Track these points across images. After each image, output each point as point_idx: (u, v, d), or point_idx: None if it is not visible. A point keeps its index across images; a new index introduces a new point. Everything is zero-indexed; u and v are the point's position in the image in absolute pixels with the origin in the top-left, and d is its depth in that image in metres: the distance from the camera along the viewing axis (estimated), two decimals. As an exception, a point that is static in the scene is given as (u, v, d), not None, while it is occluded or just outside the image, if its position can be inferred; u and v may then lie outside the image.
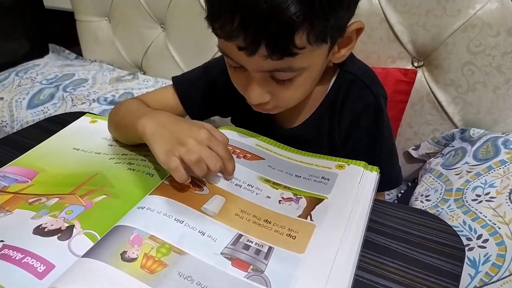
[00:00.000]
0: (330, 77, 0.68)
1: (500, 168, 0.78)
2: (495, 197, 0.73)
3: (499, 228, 0.67)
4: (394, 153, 0.73)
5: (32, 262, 0.42)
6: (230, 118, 0.85)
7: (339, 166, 0.59)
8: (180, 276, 0.41)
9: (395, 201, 1.06)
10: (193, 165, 0.50)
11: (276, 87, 0.57)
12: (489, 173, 0.79)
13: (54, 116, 0.83)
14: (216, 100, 0.76)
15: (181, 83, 0.76)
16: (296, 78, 0.56)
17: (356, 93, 0.66)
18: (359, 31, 0.59)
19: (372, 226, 0.52)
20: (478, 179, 0.79)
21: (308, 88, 0.61)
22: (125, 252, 0.42)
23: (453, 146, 0.98)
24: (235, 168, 0.55)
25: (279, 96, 0.58)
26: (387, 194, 1.09)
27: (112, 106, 0.82)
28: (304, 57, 0.52)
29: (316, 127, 0.70)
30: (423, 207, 0.82)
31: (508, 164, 0.78)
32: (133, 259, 0.41)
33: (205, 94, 0.75)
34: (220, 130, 0.65)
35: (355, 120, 0.67)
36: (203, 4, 1.29)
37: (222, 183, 0.54)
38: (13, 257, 0.43)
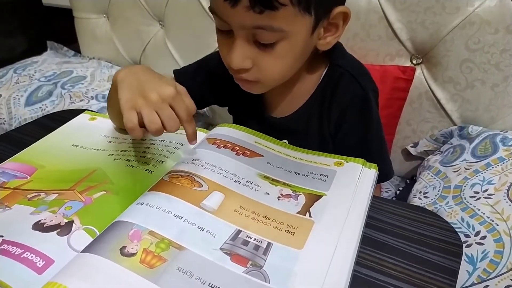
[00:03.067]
0: (321, 71, 0.69)
1: (498, 165, 0.78)
2: (493, 194, 0.73)
3: (497, 225, 0.67)
4: (384, 146, 0.73)
5: (32, 257, 0.42)
6: (227, 108, 0.86)
7: (337, 163, 0.59)
8: (179, 271, 0.41)
9: (394, 198, 1.06)
10: (148, 123, 0.49)
11: (258, 53, 0.58)
12: (487, 170, 0.79)
13: (53, 113, 0.83)
14: (214, 89, 0.77)
15: (181, 74, 0.80)
16: (278, 45, 0.57)
17: (344, 86, 0.67)
18: (345, 17, 0.60)
19: (371, 222, 0.52)
20: (477, 176, 0.79)
21: (290, 62, 0.61)
22: (124, 247, 0.42)
23: (452, 144, 0.98)
24: (195, 132, 0.54)
25: (260, 64, 0.59)
26: (385, 192, 1.09)
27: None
28: (286, 19, 0.53)
29: (306, 119, 0.71)
30: (421, 204, 0.83)
31: (506, 161, 0.78)
32: (133, 254, 0.41)
33: (204, 84, 0.77)
34: (220, 128, 0.66)
35: (343, 112, 0.68)
36: (202, 1, 1.29)
37: (221, 180, 0.54)
38: (12, 252, 0.43)
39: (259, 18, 0.52)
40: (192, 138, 0.54)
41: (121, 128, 0.69)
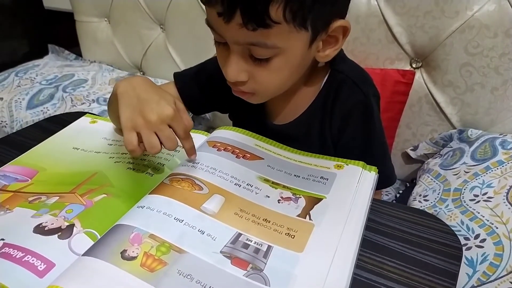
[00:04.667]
0: (322, 77, 0.69)
1: (497, 169, 0.79)
2: (492, 197, 0.73)
3: (497, 228, 0.68)
4: (386, 152, 0.73)
5: (33, 260, 0.43)
6: (228, 114, 0.86)
7: (338, 166, 0.59)
8: (180, 274, 0.41)
9: (394, 201, 1.06)
10: (148, 147, 0.51)
11: (253, 66, 0.58)
12: (486, 173, 0.79)
13: (54, 116, 0.83)
14: (214, 94, 0.77)
15: (181, 78, 0.79)
16: (273, 60, 0.56)
17: (346, 92, 0.67)
18: (345, 31, 0.59)
19: (371, 225, 0.52)
20: (476, 179, 0.79)
21: (286, 76, 0.61)
22: (125, 250, 0.42)
23: (451, 147, 0.98)
24: (193, 147, 0.56)
25: (256, 77, 0.59)
26: (385, 195, 1.09)
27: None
28: (280, 36, 0.53)
29: (307, 125, 0.71)
30: (421, 207, 0.83)
31: (506, 165, 0.78)
32: (133, 258, 0.42)
33: (204, 89, 0.77)
34: (221, 130, 0.66)
35: (345, 119, 0.68)
36: (203, 5, 1.30)
37: (222, 183, 0.54)
38: (13, 256, 0.43)
39: (252, 35, 0.52)
40: (190, 153, 0.56)
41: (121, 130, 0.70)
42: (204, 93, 0.78)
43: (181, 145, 0.55)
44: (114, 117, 0.68)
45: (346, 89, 0.66)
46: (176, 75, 0.80)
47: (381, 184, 0.71)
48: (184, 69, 0.83)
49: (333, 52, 0.61)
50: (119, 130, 0.70)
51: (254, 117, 0.73)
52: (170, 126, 0.52)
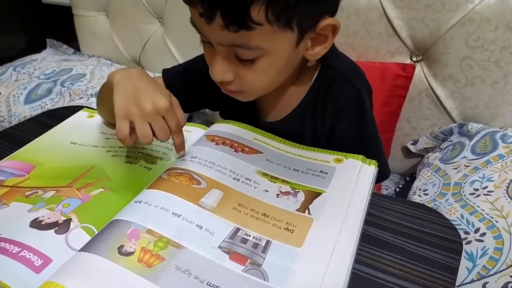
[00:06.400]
0: (313, 72, 0.67)
1: (498, 162, 0.78)
2: (492, 191, 0.73)
3: (497, 222, 0.67)
4: (380, 146, 0.72)
5: (29, 255, 0.42)
6: (218, 112, 0.85)
7: (337, 159, 0.59)
8: (178, 269, 0.41)
9: (393, 195, 1.06)
10: (140, 136, 0.51)
11: (239, 67, 0.57)
12: (487, 167, 0.79)
13: (52, 110, 0.83)
14: (203, 91, 0.76)
15: (169, 75, 0.78)
16: (258, 61, 0.55)
17: (337, 88, 0.65)
18: (334, 29, 0.57)
19: (370, 219, 0.52)
20: (476, 173, 0.79)
21: (273, 75, 0.60)
22: (122, 246, 0.42)
23: (451, 141, 0.98)
24: (183, 143, 0.56)
25: (243, 77, 0.58)
26: (385, 189, 1.09)
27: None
28: (263, 37, 0.52)
29: (299, 122, 0.70)
30: (421, 201, 0.82)
31: (506, 158, 0.78)
32: (131, 253, 0.41)
33: (193, 86, 0.76)
34: (219, 124, 0.66)
35: (338, 114, 0.67)
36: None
37: (220, 177, 0.54)
38: (10, 251, 0.43)
39: (234, 37, 0.51)
40: (179, 148, 0.56)
41: (110, 123, 0.70)
42: (193, 90, 0.76)
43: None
44: (105, 109, 0.68)
45: (338, 84, 0.65)
46: (165, 72, 0.79)
47: (376, 179, 0.70)
48: (172, 66, 0.81)
49: (323, 50, 0.60)
50: (108, 123, 0.70)
51: (245, 115, 0.72)
52: (163, 118, 0.52)
